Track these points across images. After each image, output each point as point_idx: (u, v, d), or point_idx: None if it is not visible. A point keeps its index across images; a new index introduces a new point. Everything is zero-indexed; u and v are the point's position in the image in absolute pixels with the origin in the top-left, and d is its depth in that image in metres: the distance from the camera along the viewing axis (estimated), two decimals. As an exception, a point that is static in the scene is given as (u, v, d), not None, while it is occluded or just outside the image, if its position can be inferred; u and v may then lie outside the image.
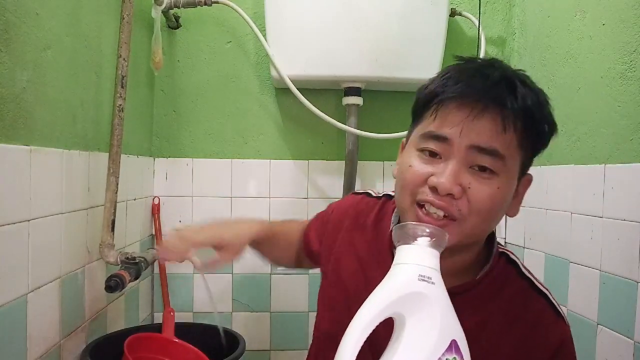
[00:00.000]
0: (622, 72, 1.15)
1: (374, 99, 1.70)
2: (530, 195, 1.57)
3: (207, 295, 1.68)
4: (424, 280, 0.60)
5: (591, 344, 1.22)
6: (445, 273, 0.63)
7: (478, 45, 1.67)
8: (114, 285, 1.08)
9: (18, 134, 0.88)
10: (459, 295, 0.68)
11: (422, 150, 0.74)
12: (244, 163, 1.73)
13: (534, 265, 1.54)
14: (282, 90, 1.70)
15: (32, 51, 0.93)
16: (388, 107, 1.74)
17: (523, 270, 0.83)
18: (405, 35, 1.53)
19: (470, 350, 0.61)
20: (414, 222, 0.67)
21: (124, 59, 1.18)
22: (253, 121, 1.74)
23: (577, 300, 1.30)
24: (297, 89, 1.54)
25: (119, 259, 1.16)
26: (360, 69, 1.54)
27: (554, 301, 0.81)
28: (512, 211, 0.78)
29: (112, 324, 1.34)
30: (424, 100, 0.77)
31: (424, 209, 0.72)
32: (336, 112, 1.67)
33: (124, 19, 1.18)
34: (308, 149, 1.76)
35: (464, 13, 1.68)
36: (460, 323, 0.61)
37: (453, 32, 1.71)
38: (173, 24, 1.67)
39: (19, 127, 0.89)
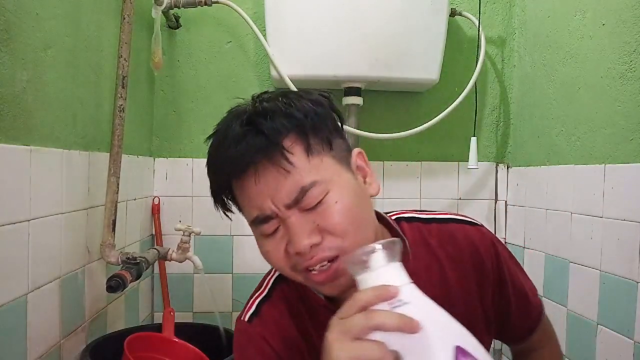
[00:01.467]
0: (622, 72, 1.15)
1: (374, 99, 1.70)
2: (530, 195, 1.58)
3: (207, 295, 1.68)
4: (395, 307, 0.55)
5: (591, 344, 1.22)
6: None
7: (478, 45, 1.67)
8: (115, 285, 1.08)
9: (18, 134, 0.88)
10: None
11: (264, 234, 0.70)
12: (244, 163, 1.73)
13: (534, 265, 1.54)
14: (282, 90, 1.70)
15: (32, 51, 0.93)
16: (388, 107, 1.74)
17: (423, 216, 0.84)
18: (405, 35, 1.53)
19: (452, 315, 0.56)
20: (360, 249, 0.59)
21: (124, 59, 1.18)
22: (253, 121, 1.73)
23: (577, 300, 1.30)
24: (297, 89, 1.54)
25: (120, 259, 1.16)
26: (360, 69, 1.54)
27: (460, 217, 0.84)
28: (372, 189, 0.74)
29: (112, 324, 1.34)
30: (222, 192, 0.75)
31: (313, 271, 0.68)
32: (336, 112, 1.67)
33: (124, 19, 1.18)
34: (308, 149, 1.75)
35: (464, 13, 1.68)
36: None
37: (453, 32, 1.71)
38: (173, 24, 1.67)
39: (19, 127, 0.89)
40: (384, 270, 0.57)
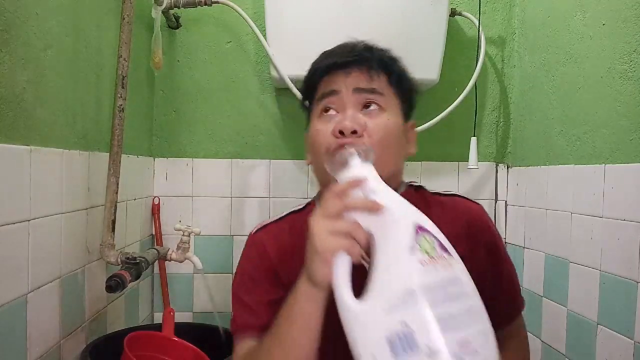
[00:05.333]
0: (623, 72, 1.15)
1: (374, 99, 1.70)
2: (530, 195, 1.58)
3: (207, 295, 1.69)
4: (366, 195, 0.67)
5: (591, 344, 1.22)
6: None
7: (478, 45, 1.67)
8: (114, 285, 1.08)
9: (18, 134, 0.89)
10: None
11: (320, 114, 0.86)
12: (244, 163, 1.73)
13: (534, 265, 1.54)
14: (282, 90, 1.70)
15: (32, 51, 0.93)
16: (388, 107, 1.74)
17: (431, 190, 0.97)
18: (405, 35, 1.53)
19: None
20: (339, 153, 0.75)
21: (124, 59, 1.18)
22: (253, 121, 1.74)
23: (577, 300, 1.30)
24: (297, 89, 1.54)
25: (119, 259, 1.16)
26: (360, 69, 1.54)
27: (460, 194, 0.98)
28: (411, 149, 0.92)
29: (112, 324, 1.34)
30: (307, 90, 0.92)
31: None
32: (336, 112, 1.67)
33: (124, 19, 1.18)
34: (308, 149, 1.75)
35: (464, 13, 1.68)
36: None
37: (453, 32, 1.71)
38: (173, 24, 1.67)
39: (19, 127, 0.89)
40: (358, 169, 0.71)
